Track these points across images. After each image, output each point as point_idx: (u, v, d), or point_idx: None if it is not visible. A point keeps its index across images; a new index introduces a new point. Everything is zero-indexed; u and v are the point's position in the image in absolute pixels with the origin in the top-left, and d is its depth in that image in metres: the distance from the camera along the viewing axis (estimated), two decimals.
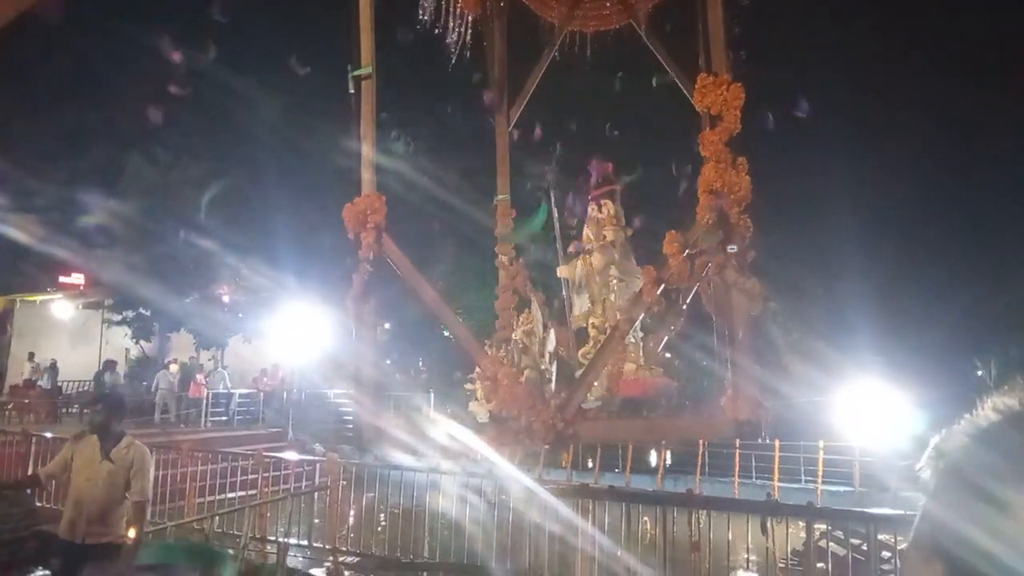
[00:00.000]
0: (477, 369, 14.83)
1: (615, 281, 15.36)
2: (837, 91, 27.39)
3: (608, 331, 13.77)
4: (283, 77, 27.49)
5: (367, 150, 12.75)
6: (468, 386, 15.81)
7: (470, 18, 15.69)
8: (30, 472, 5.60)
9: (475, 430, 13.57)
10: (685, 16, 15.21)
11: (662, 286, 11.19)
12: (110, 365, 23.54)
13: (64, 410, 23.21)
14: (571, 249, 16.44)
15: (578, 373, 13.96)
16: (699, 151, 12.82)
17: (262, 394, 23.77)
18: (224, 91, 26.18)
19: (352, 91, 12.95)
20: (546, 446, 13.09)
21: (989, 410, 0.76)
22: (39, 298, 28.65)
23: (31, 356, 24.82)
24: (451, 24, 15.36)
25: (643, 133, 19.74)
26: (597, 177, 16.51)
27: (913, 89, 28.19)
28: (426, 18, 15.30)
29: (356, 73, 12.74)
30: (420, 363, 32.23)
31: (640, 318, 12.57)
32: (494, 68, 16.53)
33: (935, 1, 27.16)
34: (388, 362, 30.94)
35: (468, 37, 15.79)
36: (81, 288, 28.55)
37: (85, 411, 5.54)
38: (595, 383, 13.17)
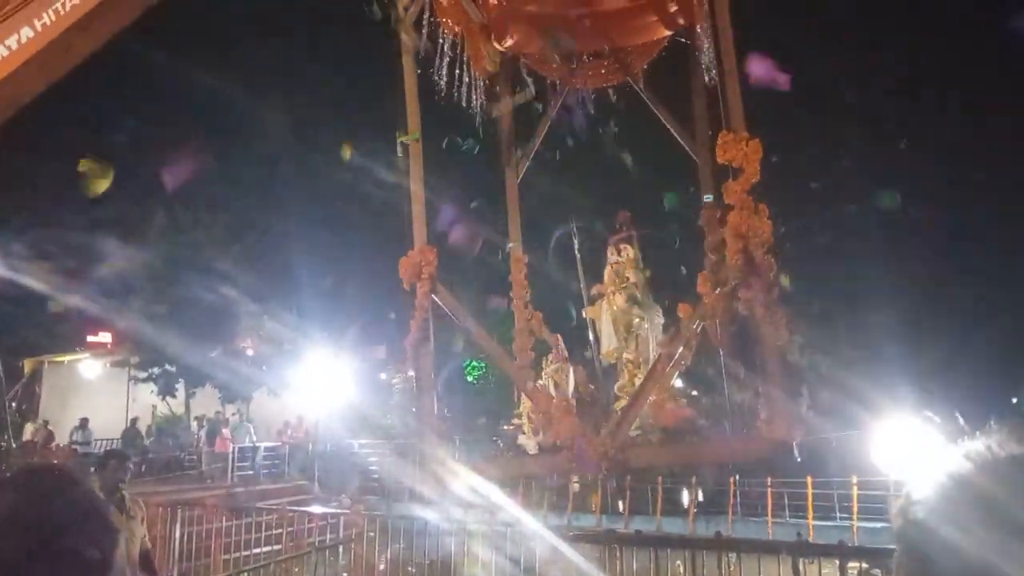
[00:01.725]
0: (522, 406, 15.51)
1: (637, 320, 15.86)
2: (862, 119, 27.40)
3: (642, 364, 14.40)
4: (308, 130, 27.99)
5: (418, 206, 13.69)
6: (515, 421, 16.46)
7: (482, 81, 16.67)
8: None
9: (525, 462, 14.13)
10: (678, 73, 16.38)
11: (698, 322, 11.99)
12: (83, 423, 23.92)
13: (93, 469, 23.26)
14: (594, 291, 17.15)
15: (617, 405, 14.62)
16: (696, 194, 13.87)
17: (287, 447, 23.71)
18: (249, 142, 26.64)
19: (400, 154, 13.72)
20: (599, 472, 13.59)
21: (961, 456, 0.72)
22: (67, 358, 28.96)
23: (33, 418, 24.96)
24: (467, 87, 16.31)
25: (644, 179, 20.37)
26: (616, 224, 17.30)
27: (938, 116, 28.11)
28: (444, 80, 16.25)
29: (404, 139, 13.62)
30: (445, 411, 32.03)
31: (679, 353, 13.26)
32: (502, 124, 17.50)
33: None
34: (413, 410, 30.83)
35: (480, 97, 16.76)
36: (108, 347, 28.83)
37: (96, 470, 5.60)
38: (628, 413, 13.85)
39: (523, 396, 16.65)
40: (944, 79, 28.42)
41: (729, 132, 12.19)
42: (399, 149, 14.18)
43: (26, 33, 5.81)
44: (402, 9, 14.04)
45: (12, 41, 5.78)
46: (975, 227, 28.97)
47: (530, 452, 15.49)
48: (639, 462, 14.21)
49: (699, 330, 12.51)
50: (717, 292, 12.13)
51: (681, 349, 13.14)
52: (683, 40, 16.43)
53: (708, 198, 15.74)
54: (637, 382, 15.16)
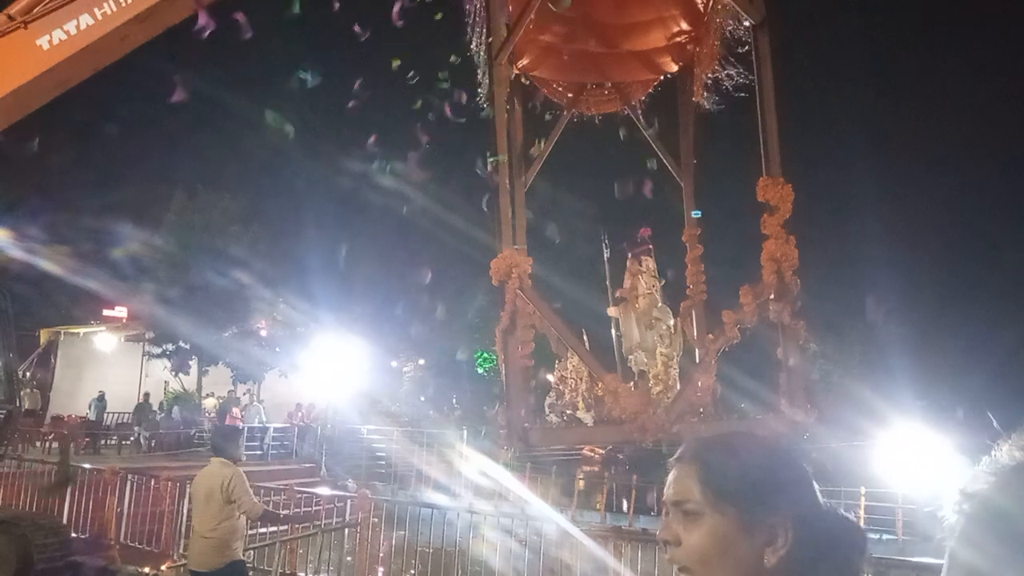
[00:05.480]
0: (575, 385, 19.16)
1: (656, 320, 18.53)
2: (875, 146, 27.33)
3: (674, 356, 18.33)
4: (323, 117, 28.10)
5: (505, 216, 15.68)
6: (550, 396, 19.68)
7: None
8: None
9: (586, 432, 18.13)
10: (671, 106, 18.53)
11: (737, 326, 14.72)
12: (101, 395, 24.66)
13: (104, 441, 23.49)
14: (618, 294, 19.41)
15: (654, 389, 17.44)
16: (680, 211, 18.47)
17: (296, 429, 23.87)
18: (265, 129, 26.81)
19: (490, 171, 15.53)
20: (657, 442, 15.47)
21: (1014, 449, 0.74)
22: (82, 330, 29.21)
23: (33, 387, 25.36)
24: (485, 100, 17.85)
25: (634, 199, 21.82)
26: (638, 238, 19.10)
27: (950, 142, 27.97)
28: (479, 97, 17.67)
29: (494, 159, 15.46)
30: (454, 400, 32.22)
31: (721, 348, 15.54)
32: (513, 140, 19.39)
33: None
34: (422, 399, 31.04)
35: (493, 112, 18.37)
36: (124, 321, 29.07)
37: (225, 443, 6.18)
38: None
39: (580, 377, 19.55)
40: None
41: (768, 177, 14.90)
42: (489, 167, 16.05)
43: (86, 20, 5.93)
44: (498, 43, 15.66)
45: (71, 26, 5.88)
46: (987, 237, 28.85)
47: (588, 424, 17.89)
48: (689, 433, 15.54)
49: (738, 330, 14.66)
50: (756, 303, 14.55)
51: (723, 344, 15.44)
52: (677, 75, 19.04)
53: (697, 214, 18.75)
54: (671, 371, 18.16)
